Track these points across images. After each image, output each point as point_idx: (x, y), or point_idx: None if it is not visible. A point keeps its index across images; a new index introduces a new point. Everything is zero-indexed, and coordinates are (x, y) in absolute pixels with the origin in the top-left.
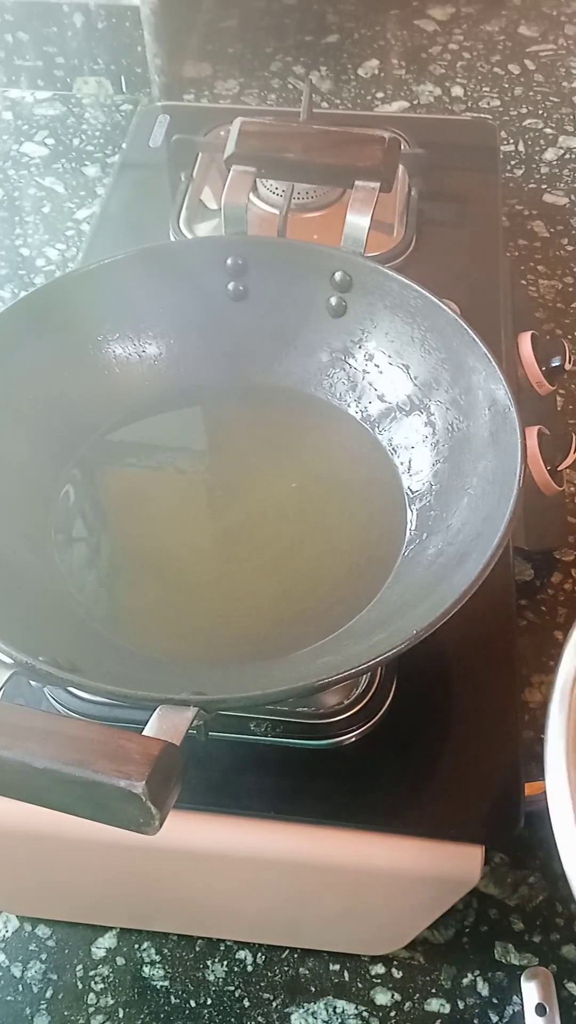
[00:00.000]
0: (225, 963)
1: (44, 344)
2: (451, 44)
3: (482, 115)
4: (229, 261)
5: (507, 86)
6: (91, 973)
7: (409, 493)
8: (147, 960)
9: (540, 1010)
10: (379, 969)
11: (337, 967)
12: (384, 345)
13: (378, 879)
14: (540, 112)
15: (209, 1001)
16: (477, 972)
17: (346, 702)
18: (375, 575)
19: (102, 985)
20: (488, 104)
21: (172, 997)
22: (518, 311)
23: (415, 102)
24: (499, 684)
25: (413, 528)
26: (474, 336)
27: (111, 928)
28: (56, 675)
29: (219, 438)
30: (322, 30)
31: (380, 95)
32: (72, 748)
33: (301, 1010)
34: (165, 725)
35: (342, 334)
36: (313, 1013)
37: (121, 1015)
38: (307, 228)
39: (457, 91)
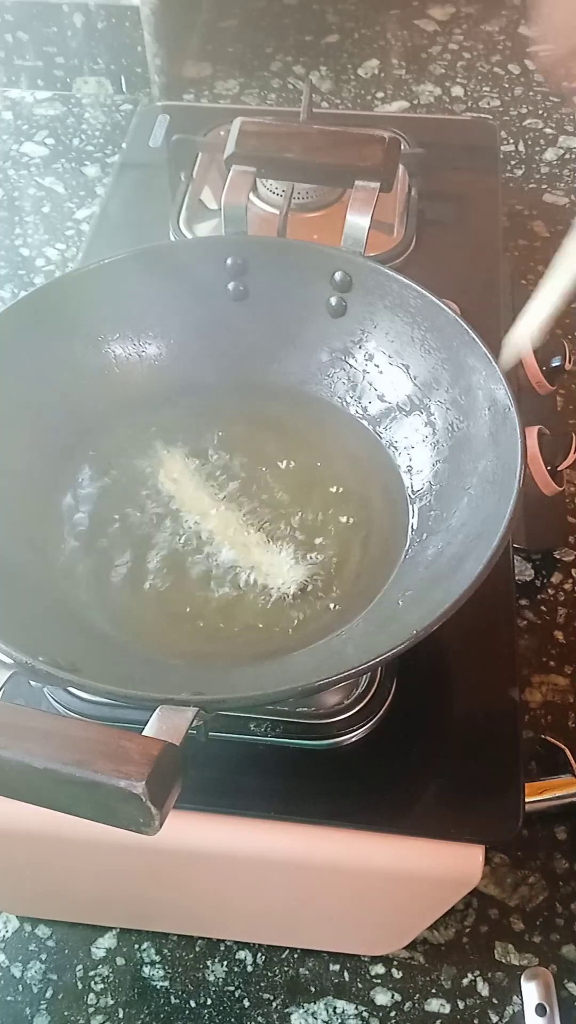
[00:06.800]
0: (225, 963)
1: (44, 344)
2: (451, 44)
3: (482, 115)
4: (229, 261)
5: (507, 86)
6: (91, 973)
7: (410, 493)
8: (147, 960)
9: (540, 1010)
10: (379, 969)
11: (337, 967)
12: (384, 345)
13: (378, 879)
14: (540, 112)
15: (209, 1001)
16: (477, 972)
17: (346, 702)
18: (375, 575)
19: (102, 985)
20: (488, 104)
21: (172, 997)
22: (518, 311)
23: (415, 102)
24: (499, 684)
25: (414, 528)
26: (474, 336)
27: (111, 928)
28: (56, 675)
29: (219, 438)
30: (322, 30)
31: (380, 95)
32: (72, 748)
33: (301, 1010)
34: (165, 725)
35: (342, 334)
36: (313, 1013)
37: (121, 1015)
38: (307, 228)
39: (457, 91)
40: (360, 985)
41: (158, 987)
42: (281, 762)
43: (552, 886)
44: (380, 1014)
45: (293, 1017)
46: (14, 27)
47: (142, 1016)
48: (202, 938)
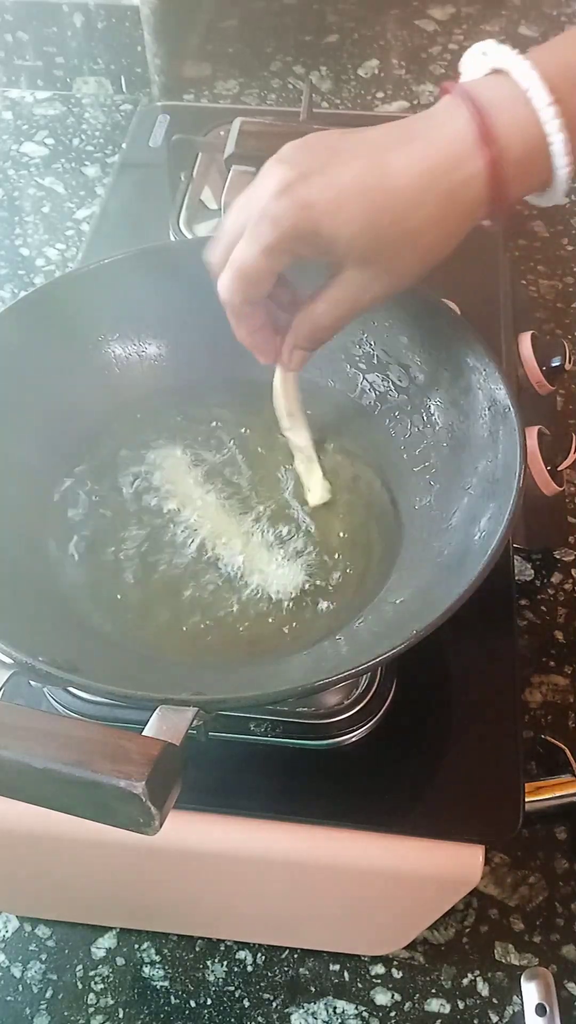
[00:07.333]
0: (225, 963)
1: (44, 344)
2: (451, 44)
3: None
4: None
5: None
6: (91, 973)
7: (410, 493)
8: (147, 960)
9: (540, 1010)
10: (379, 969)
11: (337, 967)
12: (384, 345)
13: (378, 879)
14: None
15: (209, 1001)
16: (477, 972)
17: (346, 702)
18: (375, 575)
19: (102, 985)
20: None
21: (172, 997)
22: (518, 311)
23: (415, 102)
24: (499, 684)
25: (414, 528)
26: (474, 336)
27: (111, 928)
28: (56, 675)
29: (219, 438)
30: (322, 30)
31: (380, 95)
32: (72, 748)
33: (301, 1010)
34: (165, 725)
35: (342, 334)
36: (313, 1013)
37: (121, 1015)
38: None
39: None
40: (360, 985)
41: (158, 987)
42: (281, 762)
43: (552, 886)
44: (380, 1014)
45: (293, 1017)
46: (14, 27)
47: (142, 1016)
48: (202, 938)
